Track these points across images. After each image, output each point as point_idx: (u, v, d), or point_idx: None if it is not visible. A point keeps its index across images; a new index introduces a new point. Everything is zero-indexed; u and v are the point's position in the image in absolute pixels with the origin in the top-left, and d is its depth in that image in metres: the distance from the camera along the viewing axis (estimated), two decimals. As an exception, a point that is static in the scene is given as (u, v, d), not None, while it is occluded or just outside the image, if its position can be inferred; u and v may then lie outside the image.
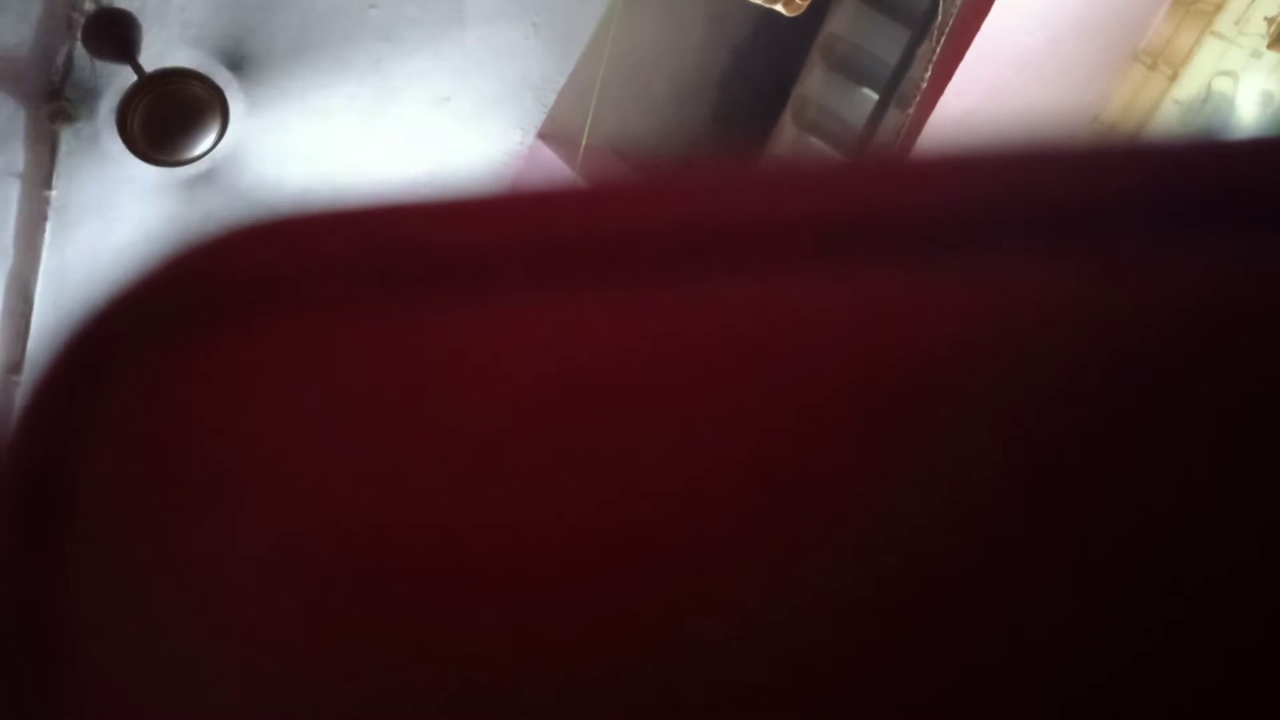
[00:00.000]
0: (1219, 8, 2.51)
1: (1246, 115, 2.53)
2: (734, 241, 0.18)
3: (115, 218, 2.14)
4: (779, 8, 2.39)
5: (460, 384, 0.18)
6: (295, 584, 0.17)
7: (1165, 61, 2.59)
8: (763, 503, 0.17)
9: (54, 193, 2.05)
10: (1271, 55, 2.48)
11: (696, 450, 0.17)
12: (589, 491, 0.17)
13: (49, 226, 2.07)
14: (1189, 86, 2.57)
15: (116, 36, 1.93)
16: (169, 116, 1.99)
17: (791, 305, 0.18)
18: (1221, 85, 2.55)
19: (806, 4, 2.41)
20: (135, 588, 0.17)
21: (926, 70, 2.37)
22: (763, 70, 2.83)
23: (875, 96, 2.61)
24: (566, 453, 0.17)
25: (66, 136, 2.00)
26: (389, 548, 0.17)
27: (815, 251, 0.18)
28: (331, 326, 0.18)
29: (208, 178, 2.14)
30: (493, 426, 0.18)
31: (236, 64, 2.08)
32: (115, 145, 2.01)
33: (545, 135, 2.60)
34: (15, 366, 2.18)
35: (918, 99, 2.39)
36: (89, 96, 1.98)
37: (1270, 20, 2.47)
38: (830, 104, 2.75)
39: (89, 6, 1.89)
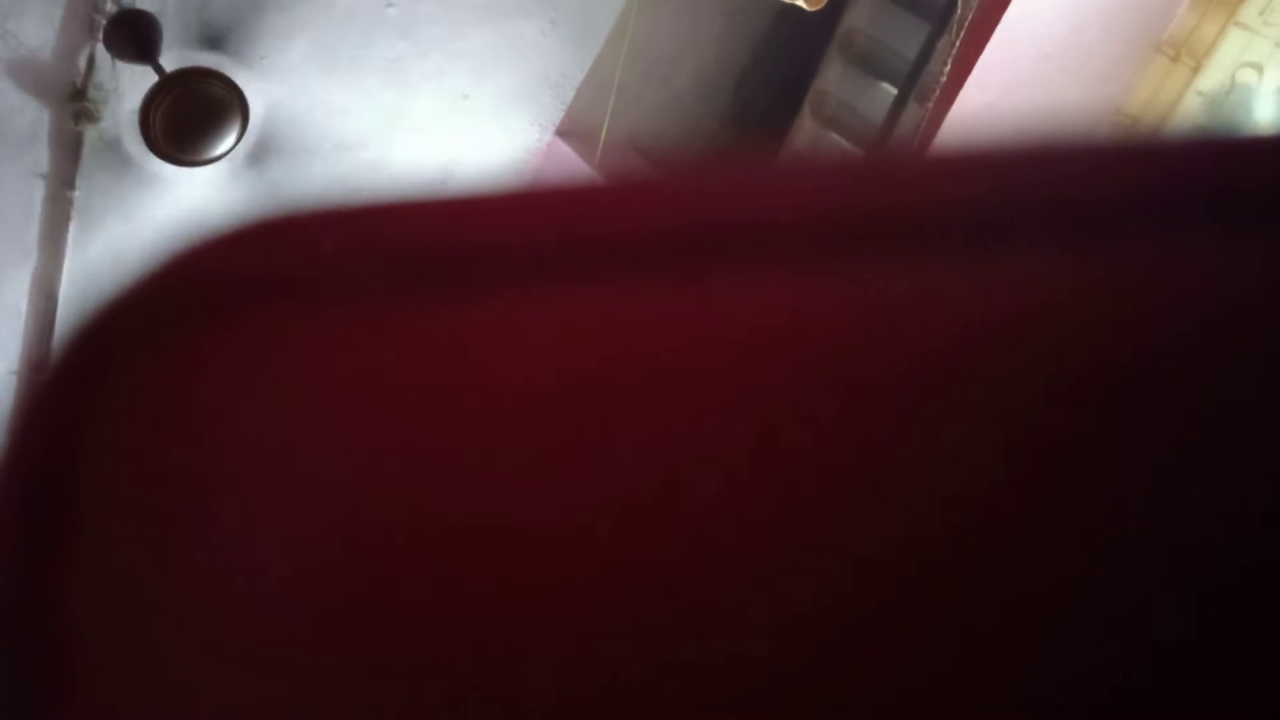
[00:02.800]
0: (1243, -2, 2.49)
1: (1271, 106, 2.50)
2: (739, 238, 0.18)
3: (138, 217, 2.15)
4: (801, 2, 2.38)
5: (461, 382, 0.18)
6: (295, 584, 0.17)
7: (1188, 53, 2.56)
8: (768, 503, 0.17)
9: (77, 193, 2.06)
10: (1297, 45, 2.45)
11: (704, 450, 0.17)
12: (593, 492, 0.17)
13: (72, 226, 2.09)
14: (1213, 78, 2.54)
15: (137, 37, 1.94)
16: (190, 116, 2.00)
17: (797, 302, 0.18)
18: (1245, 77, 2.52)
19: (827, -2, 2.40)
20: (137, 586, 0.17)
21: (946, 64, 2.35)
22: (782, 64, 2.81)
23: (894, 91, 2.60)
24: (569, 452, 0.17)
25: (89, 137, 2.02)
26: (390, 549, 0.17)
27: (821, 248, 0.18)
28: (332, 325, 0.18)
29: (228, 177, 2.15)
30: (496, 425, 0.17)
31: (256, 64, 2.09)
32: (137, 145, 2.03)
33: (563, 132, 2.60)
34: (41, 365, 2.20)
35: (937, 93, 2.38)
36: (111, 97, 2.00)
37: (1295, 10, 2.44)
38: (849, 99, 2.73)
39: (110, 8, 1.90)
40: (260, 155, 2.17)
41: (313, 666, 0.17)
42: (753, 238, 0.18)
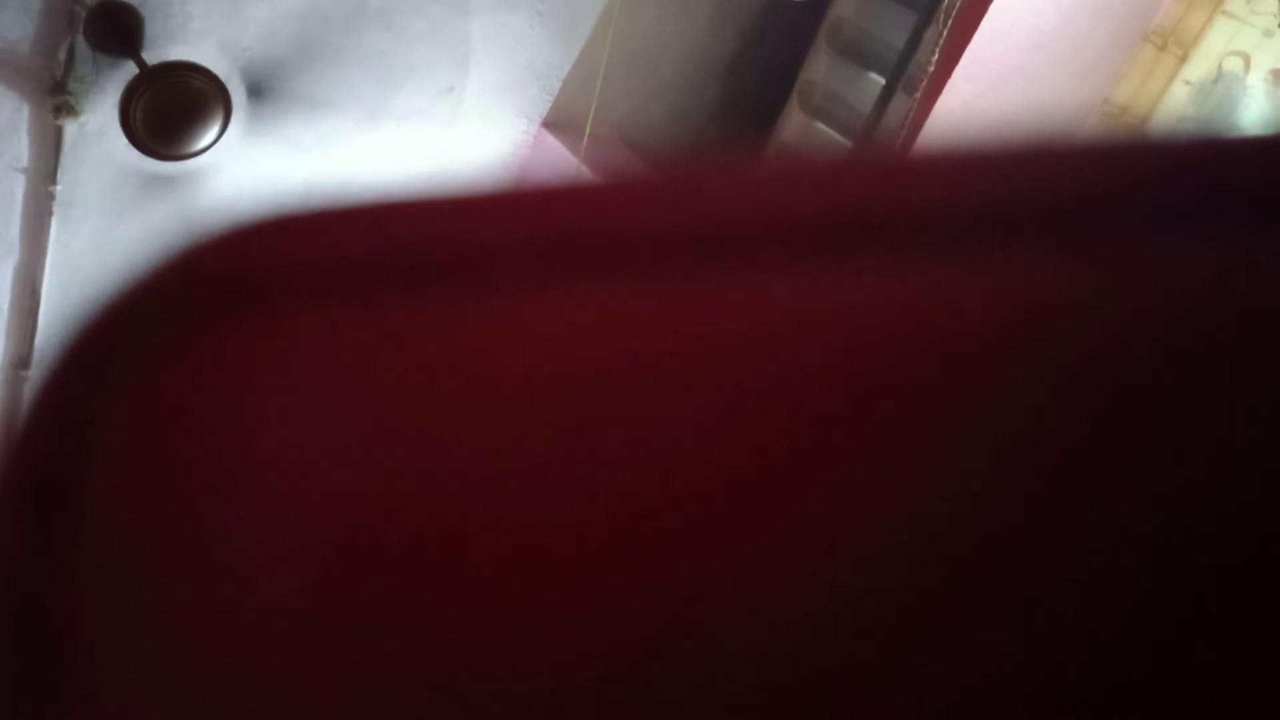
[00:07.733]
0: (1230, -13, 2.50)
1: (1257, 96, 2.52)
2: (739, 237, 0.18)
3: (120, 212, 2.15)
4: (786, -8, 2.38)
5: (464, 380, 0.18)
6: (299, 583, 0.17)
7: (1176, 42, 2.57)
8: (769, 502, 0.17)
9: (59, 187, 2.06)
10: (1283, 34, 2.46)
11: (703, 448, 0.17)
12: (595, 491, 0.17)
13: (54, 221, 2.08)
14: (1200, 67, 2.55)
15: (118, 30, 1.93)
16: (171, 110, 1.99)
17: (797, 301, 0.18)
18: (1232, 65, 2.53)
19: (812, -12, 2.40)
20: (141, 585, 0.18)
21: (934, 54, 2.35)
22: (769, 55, 2.82)
23: (882, 81, 2.60)
24: (570, 451, 0.17)
25: (70, 131, 2.01)
26: (392, 547, 0.17)
27: (819, 247, 0.18)
28: (335, 323, 0.18)
29: (211, 171, 2.14)
30: (497, 423, 0.18)
31: (238, 56, 2.08)
32: (119, 139, 2.02)
33: (550, 124, 2.59)
34: (23, 361, 2.19)
35: (925, 83, 2.38)
36: (92, 90, 1.99)
37: (1282, -1, 2.45)
38: (837, 89, 2.73)
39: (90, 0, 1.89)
40: (243, 149, 2.16)
41: (316, 665, 0.17)
42: (752, 236, 0.18)
